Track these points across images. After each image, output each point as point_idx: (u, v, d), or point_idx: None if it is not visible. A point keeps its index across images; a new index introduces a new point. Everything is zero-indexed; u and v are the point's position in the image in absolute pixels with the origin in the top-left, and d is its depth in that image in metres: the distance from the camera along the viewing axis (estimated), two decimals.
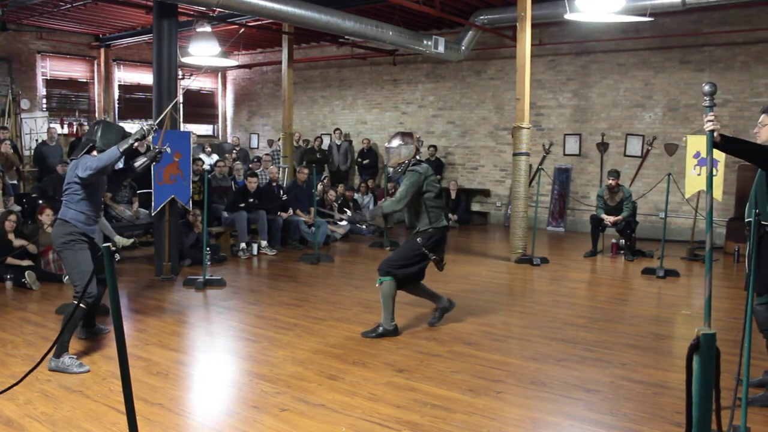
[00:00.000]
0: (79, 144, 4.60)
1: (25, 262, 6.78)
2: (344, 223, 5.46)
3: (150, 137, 4.88)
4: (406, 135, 5.14)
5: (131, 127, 14.20)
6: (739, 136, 3.62)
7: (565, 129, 11.65)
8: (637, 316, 5.79)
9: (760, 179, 3.66)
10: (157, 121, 5.72)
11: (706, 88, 3.26)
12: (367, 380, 4.09)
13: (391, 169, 5.29)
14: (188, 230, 8.21)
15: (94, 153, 4.45)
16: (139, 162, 4.82)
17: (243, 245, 8.76)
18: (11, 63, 12.62)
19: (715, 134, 3.33)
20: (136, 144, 4.47)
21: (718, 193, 7.88)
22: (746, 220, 3.60)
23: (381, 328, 5.03)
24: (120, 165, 4.86)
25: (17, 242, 6.82)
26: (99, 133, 4.47)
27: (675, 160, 10.39)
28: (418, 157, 5.15)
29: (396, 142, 5.09)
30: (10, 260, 6.72)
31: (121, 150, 4.34)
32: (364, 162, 13.35)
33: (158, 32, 7.24)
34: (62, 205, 4.51)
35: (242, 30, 11.22)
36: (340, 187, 11.37)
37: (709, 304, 3.13)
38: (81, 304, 4.26)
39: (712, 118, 3.26)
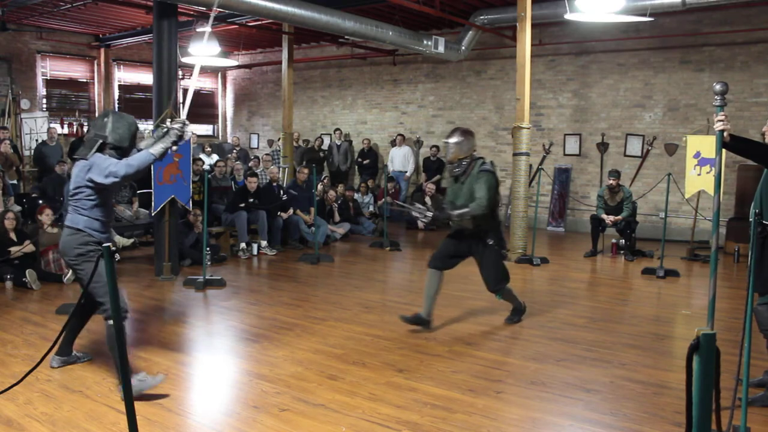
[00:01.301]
0: (85, 140, 3.98)
1: (28, 249, 6.78)
2: (420, 216, 5.35)
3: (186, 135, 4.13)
4: (466, 131, 5.13)
5: None
6: (742, 137, 3.60)
7: (565, 129, 11.65)
8: (637, 316, 5.79)
9: (766, 179, 3.65)
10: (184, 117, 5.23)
11: (718, 87, 3.20)
12: (367, 380, 4.09)
13: (449, 165, 5.20)
14: (188, 230, 8.21)
15: (107, 151, 3.89)
16: (159, 147, 3.89)
17: (243, 245, 8.76)
18: (11, 63, 12.62)
19: (725, 134, 3.30)
20: (174, 147, 3.93)
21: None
22: (750, 219, 3.60)
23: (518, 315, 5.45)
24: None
25: (14, 249, 6.79)
26: (109, 127, 3.89)
27: (675, 160, 10.39)
28: (475, 154, 5.19)
29: (456, 138, 5.05)
30: (13, 249, 6.71)
31: (156, 155, 3.81)
32: (364, 162, 13.34)
33: (158, 32, 7.24)
34: (70, 211, 3.92)
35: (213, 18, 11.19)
36: (340, 187, 11.37)
37: (713, 305, 3.13)
38: (112, 321, 3.79)
39: (722, 118, 3.22)
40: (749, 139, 3.61)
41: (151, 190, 7.18)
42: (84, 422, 3.43)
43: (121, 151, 3.92)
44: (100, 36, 13.72)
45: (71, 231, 3.89)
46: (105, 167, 3.77)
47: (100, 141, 3.86)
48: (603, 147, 11.24)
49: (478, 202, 4.94)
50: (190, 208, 8.03)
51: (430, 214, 5.05)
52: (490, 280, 5.17)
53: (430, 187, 11.78)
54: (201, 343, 5.14)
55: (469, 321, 5.54)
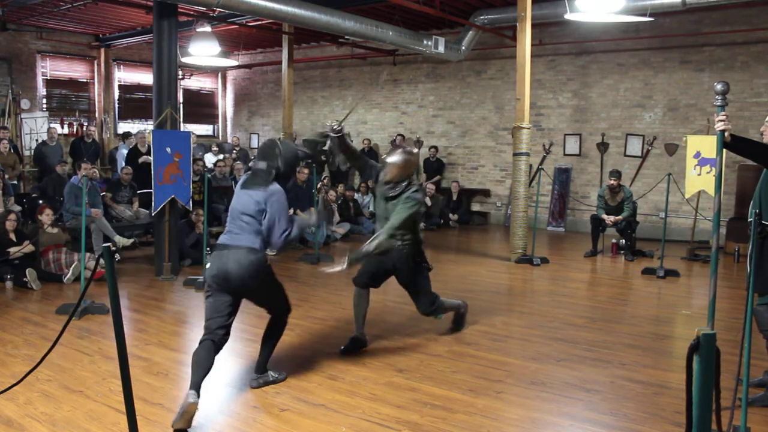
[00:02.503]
0: (256, 170, 3.89)
1: (28, 249, 6.78)
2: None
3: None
4: (410, 152, 4.73)
5: (131, 127, 14.22)
6: (743, 137, 3.59)
7: (565, 129, 11.65)
8: (637, 316, 5.79)
9: (766, 179, 3.65)
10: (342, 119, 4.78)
11: (719, 87, 3.19)
12: (367, 380, 4.09)
13: (384, 185, 4.71)
14: (189, 230, 8.20)
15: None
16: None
17: None
18: (11, 63, 12.61)
19: (726, 134, 3.29)
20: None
21: None
22: (749, 219, 3.60)
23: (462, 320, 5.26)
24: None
25: (13, 250, 6.79)
26: (281, 157, 3.86)
27: (675, 160, 10.39)
28: (413, 179, 4.74)
29: (398, 158, 4.64)
30: (13, 250, 6.72)
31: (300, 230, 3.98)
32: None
33: (158, 32, 7.24)
34: (239, 232, 3.79)
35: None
36: (340, 187, 11.36)
37: (714, 305, 3.13)
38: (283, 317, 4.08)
39: (723, 118, 3.22)
40: (750, 139, 3.60)
41: (151, 190, 7.18)
42: (84, 422, 3.43)
43: (285, 180, 3.98)
44: (100, 36, 13.71)
45: (255, 251, 3.78)
46: (283, 220, 3.83)
47: (274, 171, 3.86)
48: (603, 147, 11.24)
49: (390, 224, 4.48)
50: (191, 208, 8.03)
51: (345, 260, 4.42)
52: (425, 303, 4.80)
53: (429, 187, 11.77)
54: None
55: (469, 321, 5.53)
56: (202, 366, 3.56)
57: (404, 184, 4.65)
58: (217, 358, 4.61)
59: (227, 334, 3.80)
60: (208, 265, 3.86)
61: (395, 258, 4.68)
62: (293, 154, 3.95)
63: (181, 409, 3.33)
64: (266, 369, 4.05)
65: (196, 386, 3.45)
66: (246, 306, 6.06)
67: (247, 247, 3.76)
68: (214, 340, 3.71)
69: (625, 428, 3.42)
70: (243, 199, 3.85)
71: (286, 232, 3.85)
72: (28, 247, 6.84)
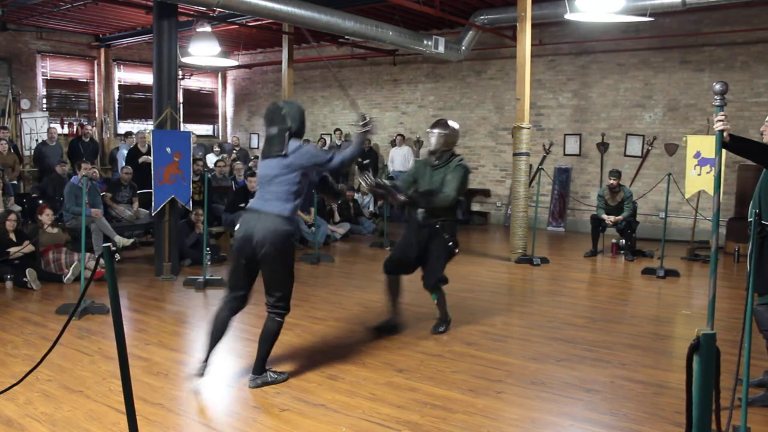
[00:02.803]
0: (270, 137, 3.91)
1: (27, 249, 6.79)
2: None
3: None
4: (452, 124, 5.15)
5: (131, 127, 14.23)
6: (742, 137, 3.60)
7: (565, 129, 11.65)
8: (637, 316, 5.79)
9: (765, 179, 3.65)
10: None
11: (717, 87, 3.19)
12: (367, 380, 4.09)
13: (432, 157, 5.13)
14: (189, 230, 8.20)
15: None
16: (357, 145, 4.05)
17: None
18: (11, 63, 12.61)
19: (725, 134, 3.29)
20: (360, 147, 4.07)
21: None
22: (748, 219, 3.60)
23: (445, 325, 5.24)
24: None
25: (13, 250, 6.79)
26: (289, 117, 3.88)
27: (675, 160, 10.39)
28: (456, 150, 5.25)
29: (441, 129, 5.06)
30: (12, 250, 6.72)
31: (359, 148, 4.05)
32: (364, 162, 13.34)
33: (158, 32, 7.24)
34: (269, 198, 3.83)
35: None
36: (341, 186, 11.37)
37: (713, 305, 3.13)
38: (280, 318, 3.96)
39: (722, 118, 3.22)
40: (749, 139, 3.60)
41: (151, 190, 7.18)
42: (84, 422, 3.43)
43: (299, 137, 3.97)
44: (100, 36, 13.71)
45: (281, 220, 3.78)
46: (315, 155, 3.91)
47: (287, 132, 3.88)
48: (603, 147, 11.24)
49: (446, 194, 4.93)
50: (190, 208, 8.03)
51: (403, 198, 4.92)
52: (431, 276, 5.07)
53: None
54: (201, 343, 5.13)
55: (469, 321, 5.54)
56: (215, 337, 3.96)
57: (449, 154, 5.07)
58: (217, 358, 4.63)
59: (245, 300, 4.00)
60: (237, 227, 3.95)
61: (427, 236, 5.04)
62: (298, 110, 3.95)
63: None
64: (265, 369, 4.00)
65: (206, 358, 3.93)
66: (246, 306, 6.08)
67: (276, 213, 3.79)
68: (232, 308, 3.96)
69: (625, 428, 3.42)
70: (267, 166, 3.90)
71: (333, 158, 3.90)
72: (28, 247, 6.84)
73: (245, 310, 5.93)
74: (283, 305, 3.96)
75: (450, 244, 5.05)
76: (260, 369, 3.99)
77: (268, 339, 3.98)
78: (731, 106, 9.85)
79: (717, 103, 3.21)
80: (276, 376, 4.02)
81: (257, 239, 3.76)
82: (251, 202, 3.97)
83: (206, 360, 3.99)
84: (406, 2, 9.03)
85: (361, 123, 4.04)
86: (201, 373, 3.99)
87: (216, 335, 3.97)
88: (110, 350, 4.59)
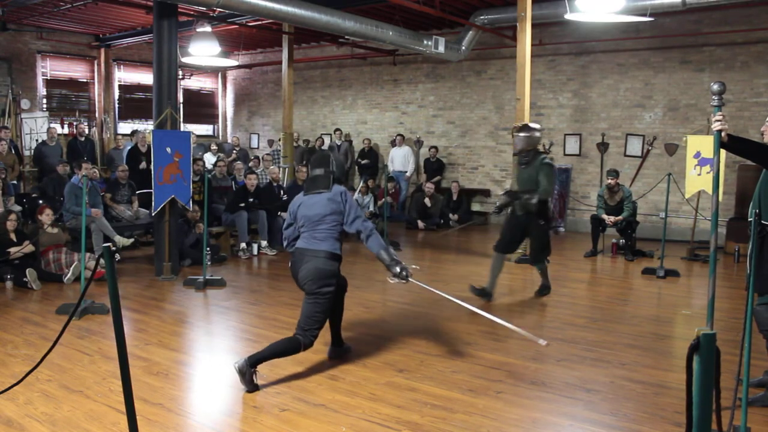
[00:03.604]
0: (315, 177, 4.32)
1: (28, 249, 6.79)
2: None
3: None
4: (534, 128, 6.12)
5: (131, 127, 14.23)
6: (740, 137, 3.60)
7: (565, 129, 11.65)
8: (637, 316, 5.79)
9: (765, 179, 3.65)
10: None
11: (715, 87, 3.20)
12: (367, 380, 4.09)
13: (518, 155, 6.18)
14: (188, 229, 8.20)
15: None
16: (386, 257, 4.30)
17: (243, 245, 8.76)
18: (11, 63, 12.62)
19: (723, 134, 3.30)
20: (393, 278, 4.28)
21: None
22: (749, 219, 3.60)
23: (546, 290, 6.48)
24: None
25: (13, 250, 6.79)
26: (334, 164, 4.39)
27: (675, 160, 10.39)
28: (539, 148, 6.27)
29: (525, 132, 6.05)
30: (13, 250, 6.72)
31: (385, 257, 4.26)
32: (364, 162, 13.35)
33: (158, 32, 7.24)
34: (321, 238, 4.15)
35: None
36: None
37: (713, 305, 3.13)
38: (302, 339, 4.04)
39: (720, 118, 3.23)
40: (747, 139, 3.60)
41: (151, 190, 7.18)
42: (84, 422, 3.43)
43: (339, 183, 4.40)
44: (100, 36, 13.72)
45: (332, 257, 4.14)
46: (361, 216, 4.28)
47: (332, 175, 4.32)
48: (603, 147, 11.24)
49: (544, 188, 5.93)
50: (191, 208, 8.03)
51: (499, 203, 6.27)
52: (534, 254, 6.32)
53: (428, 186, 11.80)
54: (201, 343, 5.14)
55: (469, 321, 5.54)
56: (270, 348, 4.01)
57: (533, 153, 6.05)
58: (216, 358, 4.64)
59: (314, 337, 4.11)
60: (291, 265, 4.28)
61: (526, 219, 6.09)
62: (342, 164, 4.51)
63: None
64: (255, 367, 3.93)
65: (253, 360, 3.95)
66: (246, 306, 6.09)
67: (328, 251, 4.12)
68: (300, 339, 4.06)
69: (625, 428, 3.42)
70: (314, 203, 4.20)
71: (368, 223, 4.24)
72: (28, 247, 6.84)
73: (245, 310, 5.96)
74: (306, 330, 4.03)
75: (543, 224, 6.09)
76: (254, 363, 3.94)
77: (278, 345, 4.02)
78: (731, 106, 9.85)
79: (715, 104, 3.22)
80: (250, 384, 3.90)
81: (301, 277, 4.10)
82: (300, 243, 4.21)
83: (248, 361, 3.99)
84: (406, 2, 9.03)
85: (398, 275, 4.23)
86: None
87: (273, 347, 4.07)
88: (110, 350, 4.59)
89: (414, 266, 4.56)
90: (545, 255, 6.32)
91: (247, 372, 3.90)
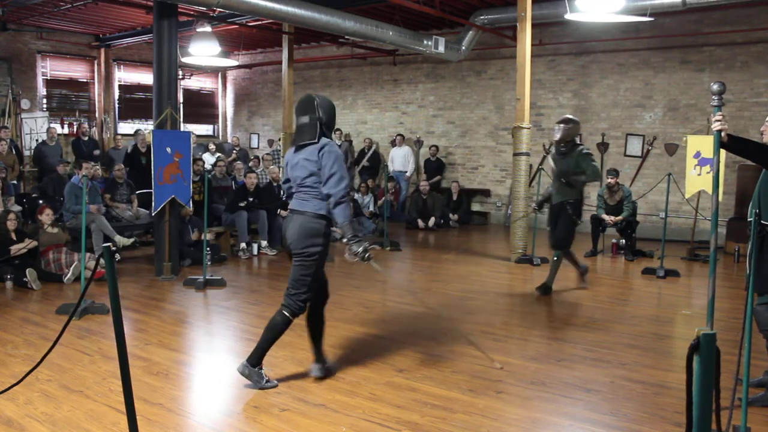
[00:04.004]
0: (300, 126, 3.95)
1: (31, 245, 6.80)
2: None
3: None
4: (574, 120, 6.35)
5: (131, 127, 14.24)
6: (740, 136, 3.61)
7: None
8: (637, 316, 5.79)
9: (765, 179, 3.66)
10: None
11: (715, 87, 3.21)
12: (367, 380, 4.09)
13: (557, 144, 6.35)
14: (184, 227, 8.17)
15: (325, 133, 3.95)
16: (349, 229, 3.90)
17: (243, 245, 8.76)
18: (11, 63, 12.62)
19: (723, 134, 3.30)
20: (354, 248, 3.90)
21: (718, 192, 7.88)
22: (748, 219, 3.60)
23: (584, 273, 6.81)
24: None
25: (15, 248, 6.80)
26: (320, 109, 3.92)
27: (675, 160, 10.39)
28: (577, 140, 6.48)
29: (565, 124, 6.28)
30: (15, 247, 6.72)
31: (346, 220, 3.84)
32: (364, 162, 13.34)
33: (158, 32, 7.23)
34: (303, 198, 3.90)
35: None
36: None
37: (713, 305, 3.13)
38: (291, 314, 3.88)
39: (719, 118, 3.23)
40: (747, 140, 3.61)
41: (151, 190, 7.19)
42: (84, 422, 3.43)
43: (330, 132, 4.01)
44: (100, 36, 13.72)
45: (316, 218, 3.85)
46: (337, 173, 3.80)
47: (318, 122, 3.91)
48: (603, 147, 11.24)
49: (593, 171, 6.22)
50: (191, 208, 8.03)
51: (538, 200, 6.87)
52: (555, 240, 6.45)
53: (423, 185, 11.85)
54: (201, 343, 5.14)
55: (469, 321, 5.54)
56: (262, 338, 3.92)
57: (572, 144, 6.29)
58: (216, 358, 4.64)
59: (321, 296, 4.07)
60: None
61: (558, 211, 6.39)
62: (330, 104, 3.99)
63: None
64: (260, 363, 3.89)
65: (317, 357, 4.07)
66: (246, 306, 6.09)
67: (313, 212, 3.86)
68: (312, 305, 4.00)
69: (625, 428, 3.42)
70: (297, 164, 3.93)
71: (344, 185, 3.81)
72: (31, 243, 6.86)
73: (245, 310, 5.97)
74: (297, 296, 3.88)
75: (571, 214, 6.31)
76: (255, 360, 3.89)
77: (270, 330, 3.91)
78: (731, 106, 9.85)
79: (715, 103, 3.23)
80: (266, 382, 3.88)
81: (288, 238, 3.90)
82: (291, 203, 4.02)
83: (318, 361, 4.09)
84: (406, 2, 9.03)
85: (357, 254, 3.88)
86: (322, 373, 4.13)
87: (311, 334, 4.11)
88: (110, 350, 4.59)
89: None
90: (567, 244, 6.44)
91: (252, 372, 3.86)
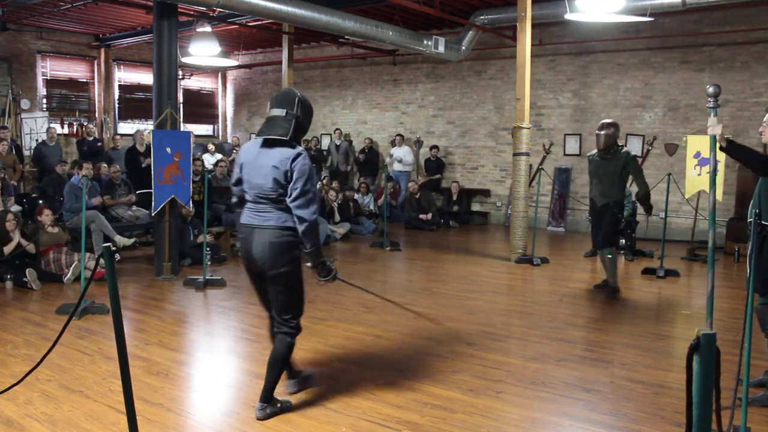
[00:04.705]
0: (273, 117, 3.43)
1: (30, 248, 6.80)
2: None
3: None
4: (615, 125, 6.41)
5: (131, 127, 14.23)
6: (739, 136, 3.66)
7: (565, 129, 11.65)
8: (637, 316, 5.79)
9: (766, 179, 3.67)
10: None
11: (711, 89, 3.26)
12: (367, 380, 4.09)
13: (601, 150, 6.39)
14: (185, 227, 8.16)
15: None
16: (315, 254, 3.52)
17: None
18: (11, 63, 12.62)
19: (719, 138, 3.35)
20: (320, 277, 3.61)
21: (718, 192, 7.86)
22: (748, 220, 3.61)
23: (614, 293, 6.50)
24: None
25: (16, 239, 6.80)
26: (299, 106, 3.47)
27: (675, 160, 10.39)
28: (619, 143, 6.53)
29: (607, 130, 6.32)
30: (6, 248, 6.72)
31: (315, 246, 3.46)
32: (363, 157, 13.33)
33: (158, 32, 7.23)
34: (264, 208, 3.40)
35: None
36: (335, 184, 11.48)
37: (712, 300, 3.13)
38: (291, 339, 3.53)
39: (713, 122, 3.31)
40: (745, 147, 3.68)
41: (151, 190, 7.18)
42: (84, 422, 3.43)
43: (302, 136, 3.57)
44: (100, 36, 13.72)
45: (287, 234, 3.38)
46: (310, 192, 3.33)
47: (294, 119, 3.42)
48: None
49: (641, 176, 6.39)
50: (191, 209, 8.02)
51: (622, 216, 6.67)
52: (600, 239, 6.48)
53: (411, 185, 11.91)
54: (201, 343, 5.14)
55: (469, 321, 5.54)
56: (270, 372, 3.50)
57: (615, 147, 6.35)
58: (216, 358, 4.64)
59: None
60: (237, 244, 3.72)
61: (602, 211, 6.41)
62: (310, 107, 3.57)
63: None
64: (272, 397, 3.53)
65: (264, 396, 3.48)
66: (246, 306, 6.09)
67: (279, 225, 3.37)
68: (276, 333, 3.57)
69: (625, 428, 3.42)
70: (261, 167, 3.35)
71: (316, 207, 3.35)
72: (30, 246, 6.86)
73: (245, 310, 5.96)
74: (292, 321, 3.53)
75: (617, 213, 6.38)
76: (269, 397, 3.51)
77: (277, 363, 3.50)
78: (731, 106, 9.85)
79: (711, 105, 3.27)
80: (283, 405, 3.59)
81: (258, 258, 3.42)
82: (245, 216, 3.50)
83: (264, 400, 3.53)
84: (406, 2, 9.03)
85: (323, 278, 3.62)
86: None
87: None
88: (110, 350, 4.59)
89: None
90: (615, 241, 6.53)
91: (272, 409, 3.51)
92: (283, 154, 3.34)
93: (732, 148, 3.50)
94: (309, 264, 3.50)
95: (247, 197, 3.49)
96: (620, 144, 6.50)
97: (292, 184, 3.31)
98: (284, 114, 3.41)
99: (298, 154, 3.35)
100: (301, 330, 3.60)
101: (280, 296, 3.48)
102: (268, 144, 3.41)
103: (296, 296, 3.52)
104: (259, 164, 3.37)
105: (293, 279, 3.47)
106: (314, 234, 3.39)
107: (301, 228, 3.34)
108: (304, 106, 3.48)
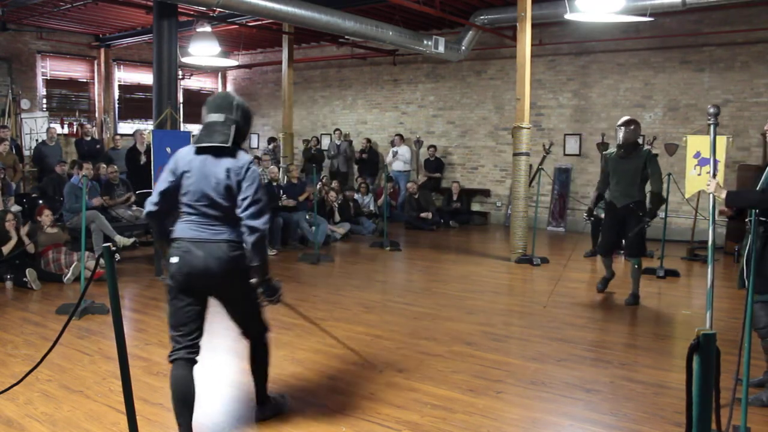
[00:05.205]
0: (211, 124, 3.16)
1: (30, 248, 6.80)
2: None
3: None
4: (636, 122, 6.16)
5: (131, 127, 14.23)
6: (740, 136, 3.72)
7: (565, 129, 11.65)
8: (637, 316, 5.79)
9: (766, 179, 3.67)
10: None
11: (711, 110, 3.50)
12: (367, 380, 4.09)
13: (619, 147, 6.16)
14: None
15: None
16: (259, 257, 3.24)
17: None
18: (11, 63, 12.62)
19: (717, 194, 3.53)
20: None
21: None
22: (746, 219, 3.61)
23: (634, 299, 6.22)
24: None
25: (15, 238, 6.80)
26: (238, 111, 3.20)
27: (675, 160, 10.38)
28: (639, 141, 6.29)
29: (629, 126, 6.09)
30: (5, 248, 6.72)
31: (263, 256, 3.22)
32: (363, 156, 13.34)
33: (158, 32, 7.24)
34: (213, 222, 3.17)
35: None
36: (334, 183, 11.48)
37: (711, 296, 3.13)
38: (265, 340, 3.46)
39: (711, 182, 3.53)
40: (742, 192, 3.87)
41: (151, 190, 7.17)
42: (84, 422, 3.43)
43: (242, 142, 3.29)
44: (100, 36, 13.72)
45: (234, 245, 3.15)
46: (261, 201, 3.11)
47: (234, 125, 3.16)
48: (603, 147, 11.23)
49: (659, 176, 6.06)
50: None
51: (647, 219, 6.11)
52: (633, 248, 6.23)
53: (409, 185, 11.90)
54: (201, 343, 5.13)
55: (469, 321, 5.54)
56: (189, 403, 3.18)
57: (633, 145, 6.11)
58: (216, 358, 4.63)
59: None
60: (173, 260, 3.33)
61: (624, 215, 6.15)
62: (250, 112, 3.30)
63: None
64: (268, 397, 3.53)
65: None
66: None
67: (228, 240, 3.15)
68: (193, 358, 3.30)
69: (625, 428, 3.42)
70: (209, 174, 3.09)
71: (267, 217, 3.13)
72: (29, 246, 6.85)
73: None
74: (261, 327, 3.51)
75: (642, 216, 6.07)
76: (264, 397, 3.51)
77: (261, 366, 3.48)
78: (731, 106, 9.85)
79: (711, 122, 3.47)
80: (283, 401, 3.62)
81: (212, 274, 3.24)
82: (186, 229, 3.26)
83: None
84: (406, 2, 9.03)
85: (267, 298, 3.41)
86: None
87: (190, 401, 3.26)
88: (110, 350, 4.59)
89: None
90: (644, 249, 6.33)
91: (270, 408, 3.51)
92: (235, 162, 3.11)
93: (733, 199, 3.61)
94: (254, 280, 3.21)
95: (185, 209, 3.22)
96: (641, 143, 6.34)
97: (242, 192, 3.07)
98: (223, 119, 3.15)
99: (248, 163, 3.13)
100: (269, 326, 3.53)
101: (246, 309, 3.39)
102: (211, 152, 3.13)
103: (256, 304, 3.42)
104: (207, 173, 3.10)
105: (254, 290, 3.32)
106: (264, 247, 3.15)
107: (251, 239, 3.07)
108: (242, 111, 3.22)
